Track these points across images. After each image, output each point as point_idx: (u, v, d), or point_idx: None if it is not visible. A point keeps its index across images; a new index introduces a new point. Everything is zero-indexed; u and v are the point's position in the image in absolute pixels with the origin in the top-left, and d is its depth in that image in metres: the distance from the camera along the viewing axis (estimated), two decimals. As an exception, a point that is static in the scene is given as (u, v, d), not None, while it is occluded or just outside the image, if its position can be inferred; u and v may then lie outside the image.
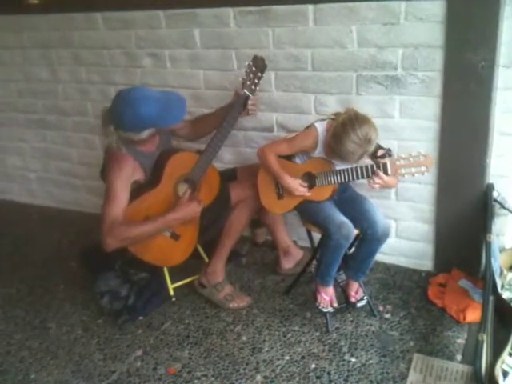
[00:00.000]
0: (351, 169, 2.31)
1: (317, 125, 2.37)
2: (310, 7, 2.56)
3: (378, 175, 2.22)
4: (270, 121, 2.94)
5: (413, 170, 2.20)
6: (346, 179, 2.33)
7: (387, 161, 2.22)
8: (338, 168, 2.36)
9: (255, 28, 2.74)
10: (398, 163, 2.21)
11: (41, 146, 3.92)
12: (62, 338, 2.63)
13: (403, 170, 2.21)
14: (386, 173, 2.22)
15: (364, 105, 2.61)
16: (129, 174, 2.38)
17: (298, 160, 2.50)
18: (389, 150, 2.29)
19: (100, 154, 3.34)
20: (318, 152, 2.39)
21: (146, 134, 2.35)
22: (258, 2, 2.67)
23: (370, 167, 2.25)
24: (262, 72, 2.51)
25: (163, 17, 2.97)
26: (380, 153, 2.28)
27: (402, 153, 2.24)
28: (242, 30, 2.78)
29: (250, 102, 2.53)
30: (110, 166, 2.40)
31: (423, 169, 2.19)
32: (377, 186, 2.25)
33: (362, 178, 2.29)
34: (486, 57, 2.27)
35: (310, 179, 2.45)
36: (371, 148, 2.20)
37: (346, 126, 2.16)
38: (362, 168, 2.27)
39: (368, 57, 2.54)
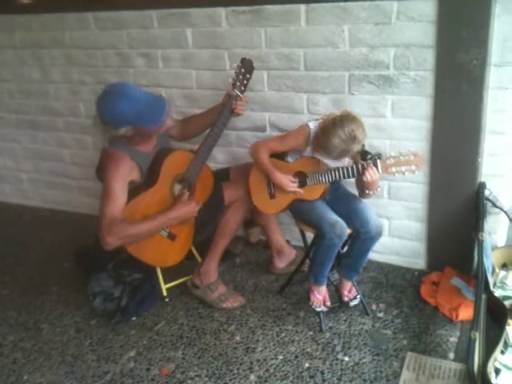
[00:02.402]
0: (342, 168, 2.32)
1: (310, 124, 2.38)
2: (302, 7, 2.57)
3: (368, 167, 2.24)
4: (262, 120, 2.94)
5: (403, 168, 2.22)
6: (337, 178, 2.34)
7: (377, 160, 2.24)
8: (328, 167, 2.37)
9: (247, 28, 2.74)
10: (388, 162, 2.23)
11: (33, 147, 3.90)
12: (55, 339, 2.62)
13: (394, 169, 2.23)
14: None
15: (356, 104, 2.62)
16: (126, 173, 2.38)
17: (290, 159, 2.51)
18: (379, 153, 2.30)
19: (92, 154, 3.35)
20: (309, 151, 2.39)
21: (123, 130, 2.33)
22: (251, 1, 2.67)
23: (360, 166, 2.26)
24: (250, 74, 2.56)
25: (155, 17, 2.96)
26: (369, 156, 2.29)
27: (392, 152, 2.25)
28: (235, 30, 2.78)
29: (238, 101, 2.55)
30: (107, 165, 2.39)
31: (413, 167, 2.21)
32: (368, 177, 2.24)
33: (353, 176, 2.30)
34: (478, 56, 2.28)
35: (301, 178, 2.46)
36: (355, 147, 2.22)
37: (336, 121, 2.21)
38: (352, 167, 2.29)
39: (360, 56, 2.55)
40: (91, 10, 3.13)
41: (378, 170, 2.24)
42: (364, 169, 2.25)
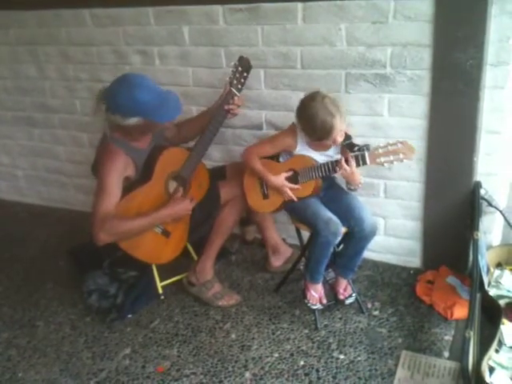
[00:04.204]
0: (331, 162, 2.33)
1: (295, 120, 2.39)
2: (299, 5, 2.56)
3: (346, 160, 2.26)
4: (258, 118, 2.94)
5: (391, 157, 2.21)
6: (327, 173, 2.35)
7: (366, 152, 2.25)
8: (318, 164, 2.39)
9: (244, 26, 2.73)
10: (376, 152, 2.23)
11: (28, 144, 3.89)
12: (50, 337, 2.62)
13: (382, 159, 2.23)
14: (364, 162, 2.25)
15: (353, 103, 2.62)
16: (121, 168, 2.37)
17: (281, 159, 2.53)
18: (367, 145, 2.29)
19: (88, 151, 3.35)
20: (301, 147, 2.40)
21: (133, 121, 2.30)
22: (248, -1, 2.67)
23: (348, 157, 2.28)
24: (248, 72, 2.54)
25: (152, 14, 2.95)
26: (357, 148, 2.30)
27: (380, 143, 2.25)
28: (231, 28, 2.77)
29: (235, 100, 2.54)
30: (102, 160, 2.39)
31: (401, 156, 2.20)
32: (348, 168, 2.25)
33: (339, 170, 2.30)
34: (474, 55, 2.29)
35: (293, 176, 2.46)
36: (332, 119, 2.19)
37: (306, 97, 2.31)
38: (337, 160, 2.30)
39: (357, 55, 2.55)
40: (87, 6, 3.12)
41: (366, 161, 2.24)
42: (340, 161, 2.26)
